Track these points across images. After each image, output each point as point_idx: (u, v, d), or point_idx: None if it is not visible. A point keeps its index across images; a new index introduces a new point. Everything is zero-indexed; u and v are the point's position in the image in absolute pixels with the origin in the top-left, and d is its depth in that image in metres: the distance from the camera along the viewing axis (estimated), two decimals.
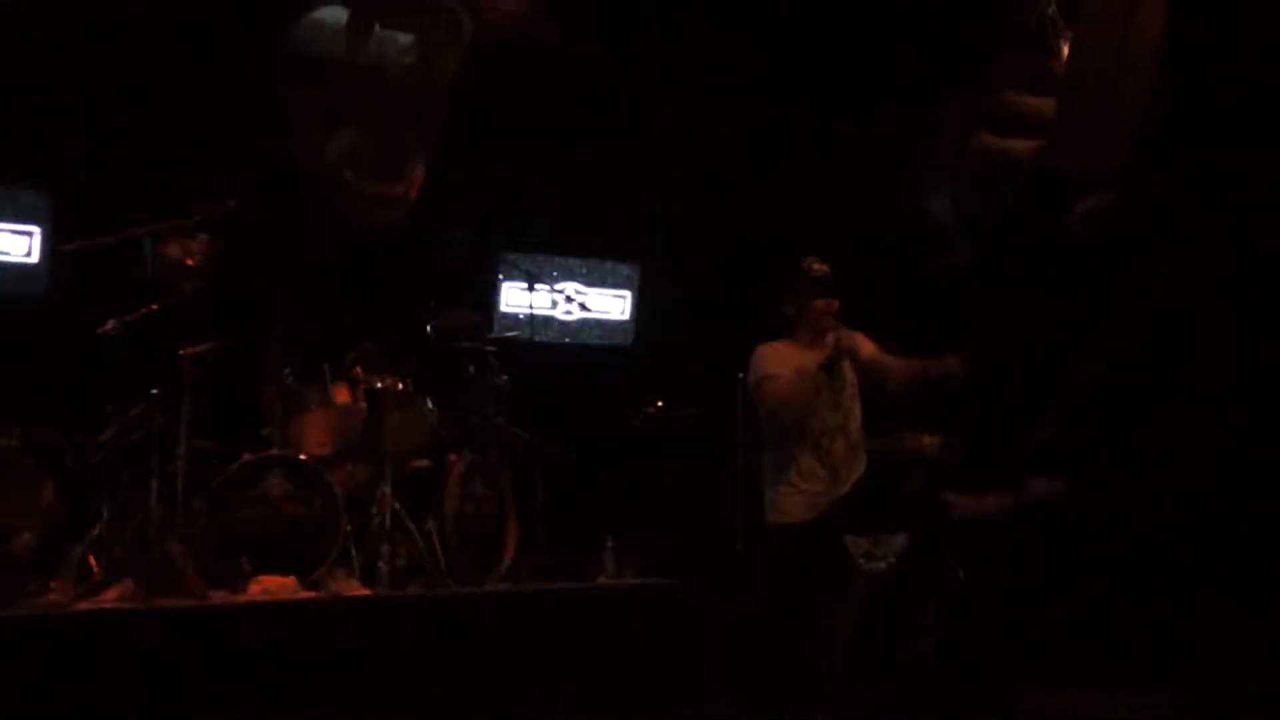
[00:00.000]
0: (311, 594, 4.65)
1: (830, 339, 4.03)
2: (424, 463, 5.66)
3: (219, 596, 4.44)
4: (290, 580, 4.64)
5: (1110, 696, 4.23)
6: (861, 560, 4.61)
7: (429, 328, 5.81)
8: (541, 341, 6.43)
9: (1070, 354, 5.19)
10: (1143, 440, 4.85)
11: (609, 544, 5.80)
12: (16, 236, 6.04)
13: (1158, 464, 4.81)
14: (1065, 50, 5.59)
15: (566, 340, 7.29)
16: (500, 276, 6.99)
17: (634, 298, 7.46)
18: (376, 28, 5.09)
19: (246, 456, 4.93)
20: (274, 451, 5.00)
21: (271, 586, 4.57)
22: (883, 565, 4.57)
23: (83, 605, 4.29)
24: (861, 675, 4.20)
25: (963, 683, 4.20)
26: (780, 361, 4.07)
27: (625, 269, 7.48)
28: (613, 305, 7.42)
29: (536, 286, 6.22)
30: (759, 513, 4.25)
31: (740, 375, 4.73)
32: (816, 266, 4.16)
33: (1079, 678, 4.41)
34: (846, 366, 4.23)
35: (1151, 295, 4.94)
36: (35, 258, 6.11)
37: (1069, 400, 5.02)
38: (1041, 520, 4.71)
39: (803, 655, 3.99)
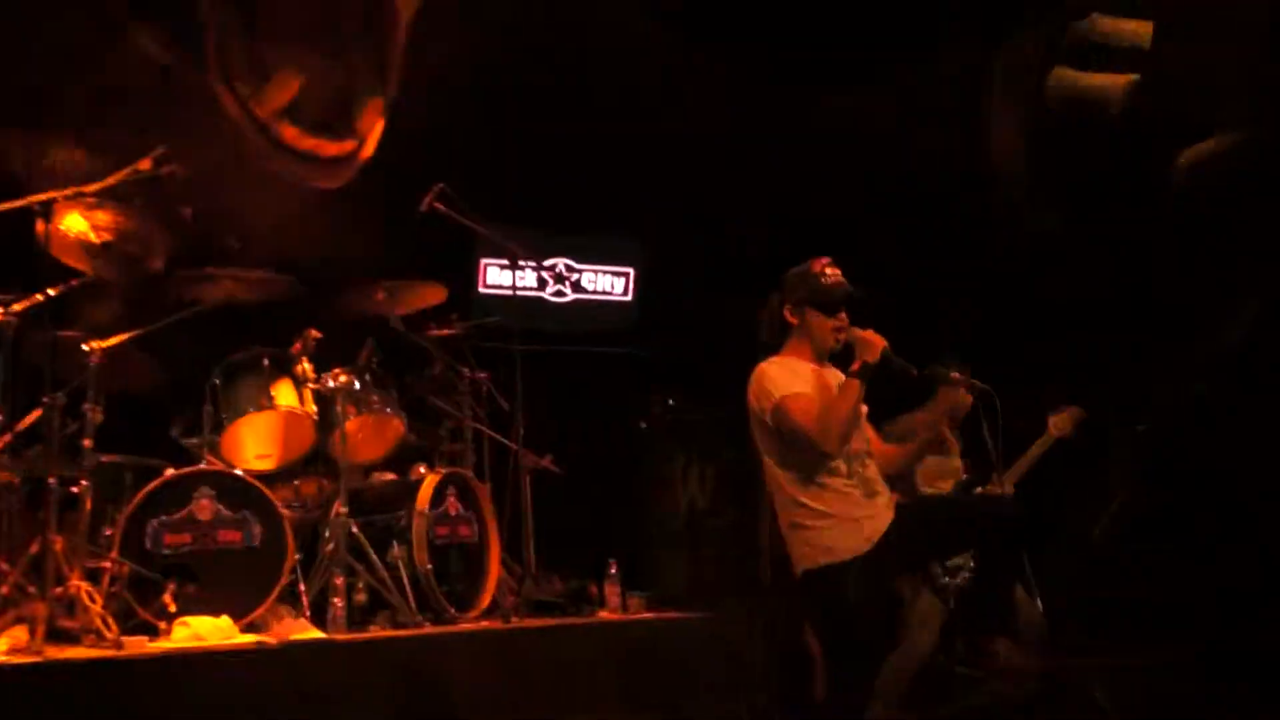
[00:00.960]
0: (251, 638, 4.55)
1: (855, 336, 3.81)
2: (387, 476, 5.64)
3: (135, 644, 4.31)
4: (224, 622, 4.57)
5: None
6: (940, 577, 4.53)
7: (390, 313, 5.72)
8: (527, 328, 6.24)
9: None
10: None
11: (612, 571, 5.81)
12: None
13: None
14: None
15: (557, 326, 7.07)
16: (478, 252, 6.84)
17: (637, 275, 7.31)
18: None
19: (169, 472, 4.84)
20: (203, 465, 4.93)
21: (201, 630, 4.49)
22: (964, 575, 4.46)
23: None
24: None
25: None
26: (796, 377, 3.82)
27: (626, 243, 7.32)
28: (612, 284, 7.29)
29: (521, 263, 6.04)
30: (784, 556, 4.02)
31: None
32: (829, 272, 3.88)
33: None
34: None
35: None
36: None
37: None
38: None
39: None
